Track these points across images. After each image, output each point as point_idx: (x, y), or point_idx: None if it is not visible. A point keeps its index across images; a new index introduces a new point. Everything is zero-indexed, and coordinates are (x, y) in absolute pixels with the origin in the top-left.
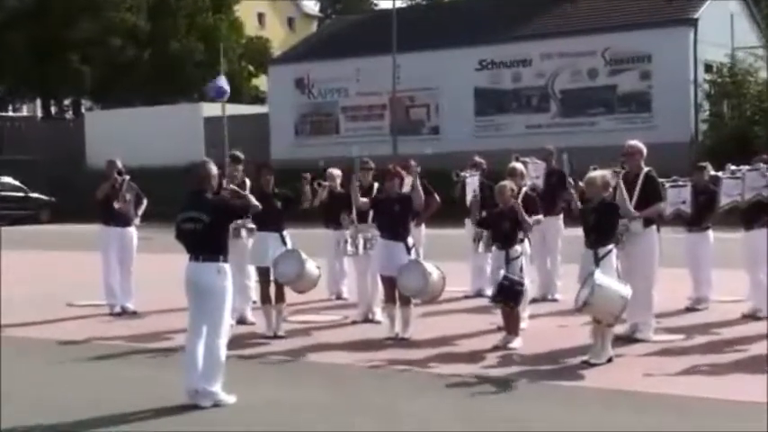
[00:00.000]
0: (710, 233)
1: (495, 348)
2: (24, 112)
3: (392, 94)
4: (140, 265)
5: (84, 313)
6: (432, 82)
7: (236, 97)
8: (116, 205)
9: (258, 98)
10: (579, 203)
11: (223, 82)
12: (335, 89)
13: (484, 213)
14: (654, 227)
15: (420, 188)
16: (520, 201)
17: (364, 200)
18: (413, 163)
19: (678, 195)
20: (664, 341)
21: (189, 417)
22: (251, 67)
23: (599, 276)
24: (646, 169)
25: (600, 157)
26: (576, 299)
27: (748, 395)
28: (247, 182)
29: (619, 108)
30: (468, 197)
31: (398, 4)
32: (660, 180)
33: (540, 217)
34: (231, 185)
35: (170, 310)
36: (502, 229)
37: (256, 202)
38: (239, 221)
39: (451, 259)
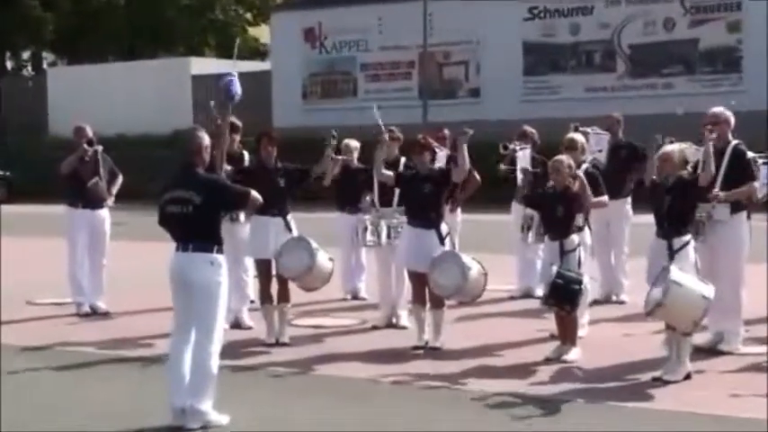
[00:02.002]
0: None
1: (547, 361)
2: None
3: (422, 48)
4: (114, 256)
5: (46, 313)
6: (471, 34)
7: (230, 51)
8: (89, 183)
9: (258, 52)
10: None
11: (236, 84)
12: (353, 42)
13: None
14: (743, 213)
15: (466, 158)
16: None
17: (389, 173)
18: (447, 132)
19: None
20: (754, 354)
21: None
22: (249, 15)
23: (676, 273)
24: (734, 142)
25: (677, 128)
26: (646, 301)
27: None
28: (246, 155)
29: (701, 67)
30: (519, 176)
31: None
32: (751, 155)
33: (605, 199)
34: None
35: (150, 310)
36: (556, 214)
37: (258, 196)
38: None
39: (494, 251)
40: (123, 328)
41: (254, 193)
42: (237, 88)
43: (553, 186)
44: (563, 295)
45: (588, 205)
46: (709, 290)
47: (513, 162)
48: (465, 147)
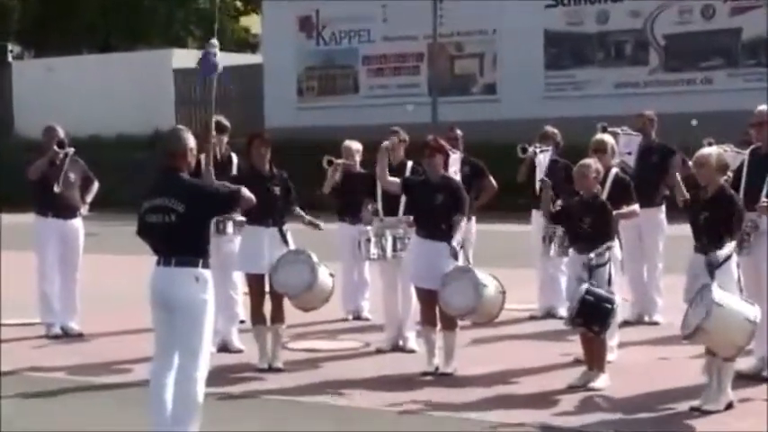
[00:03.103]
0: None
1: (572, 389)
2: None
3: (432, 39)
4: (88, 271)
5: (13, 335)
6: (486, 23)
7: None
8: (56, 189)
9: (248, 44)
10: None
11: (215, 54)
12: (354, 32)
13: (559, 203)
14: None
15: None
16: (609, 185)
17: (394, 180)
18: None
19: None
20: None
21: None
22: (238, 2)
23: (717, 292)
24: None
25: (717, 128)
26: (683, 322)
27: None
28: (234, 158)
29: (744, 60)
30: (539, 176)
31: None
32: None
33: (636, 208)
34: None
35: (128, 331)
36: (582, 225)
37: (250, 194)
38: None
39: (512, 266)
40: (98, 352)
41: (246, 191)
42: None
43: (579, 193)
44: (592, 314)
45: (617, 216)
46: (754, 312)
47: (532, 166)
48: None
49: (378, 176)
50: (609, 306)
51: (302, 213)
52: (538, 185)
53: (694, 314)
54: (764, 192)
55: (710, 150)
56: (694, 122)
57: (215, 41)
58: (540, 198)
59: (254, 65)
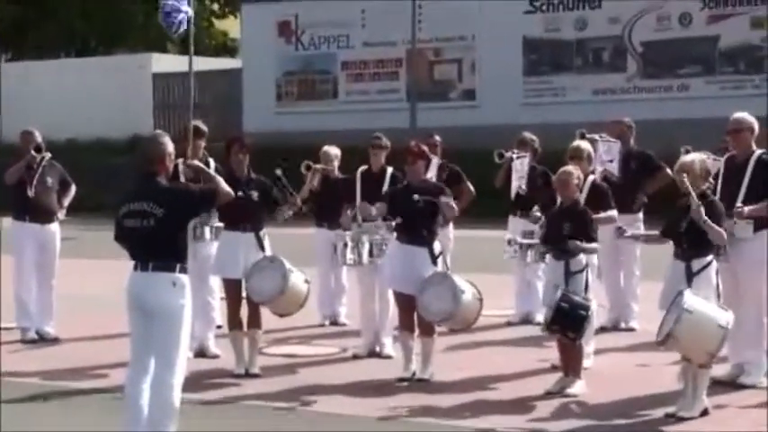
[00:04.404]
0: None
1: (549, 395)
2: None
3: (411, 45)
4: (65, 275)
5: None
6: (465, 29)
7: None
8: (29, 193)
9: (226, 48)
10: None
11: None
12: (333, 37)
13: (536, 210)
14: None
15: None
16: (586, 192)
17: (378, 208)
18: (438, 138)
19: None
20: None
21: None
22: (216, 6)
23: (689, 299)
24: (758, 152)
25: (695, 134)
26: (659, 329)
27: None
28: (212, 162)
29: (721, 68)
30: (514, 186)
31: None
32: None
33: (614, 214)
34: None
35: (105, 336)
36: (561, 231)
37: (227, 187)
38: (202, 216)
39: (490, 272)
40: (74, 357)
41: (222, 183)
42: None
43: (558, 200)
44: (568, 321)
45: (595, 223)
46: (726, 317)
47: (510, 172)
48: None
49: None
50: (584, 313)
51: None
52: (513, 192)
53: (668, 321)
54: (740, 199)
55: (693, 157)
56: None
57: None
58: (517, 204)
59: (233, 69)
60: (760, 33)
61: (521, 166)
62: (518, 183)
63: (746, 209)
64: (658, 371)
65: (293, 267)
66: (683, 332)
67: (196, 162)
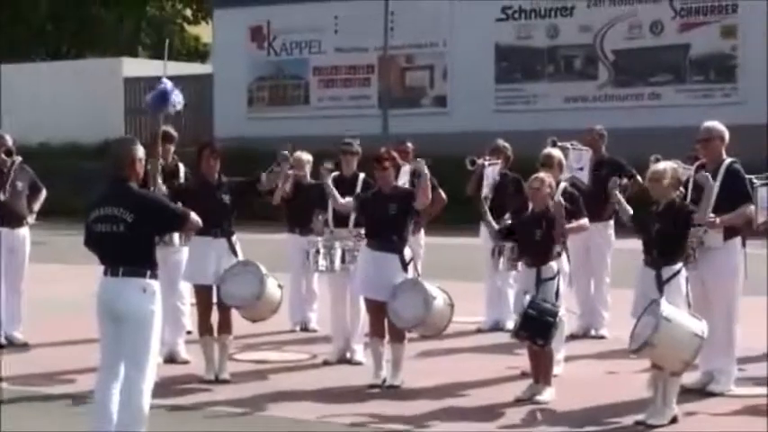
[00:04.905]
0: None
1: (519, 402)
2: None
3: (383, 51)
4: (34, 280)
5: None
6: (437, 36)
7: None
8: (1, 197)
9: (198, 53)
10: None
11: (167, 91)
12: (305, 43)
13: (507, 217)
14: (737, 240)
15: (429, 189)
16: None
17: (346, 201)
18: (410, 145)
19: None
20: (749, 395)
21: None
22: (188, 11)
23: (666, 307)
24: (728, 161)
25: (665, 143)
26: (631, 337)
27: None
28: (182, 168)
29: (692, 76)
30: (484, 193)
31: None
32: (748, 176)
33: (585, 222)
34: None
35: (74, 341)
36: (532, 238)
37: (198, 219)
38: None
39: (461, 279)
40: (43, 362)
41: (194, 216)
42: (174, 96)
43: (529, 207)
44: (536, 328)
45: (567, 230)
46: (701, 327)
47: (481, 179)
48: (427, 177)
49: (330, 202)
50: (551, 319)
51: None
52: (483, 198)
53: (642, 328)
54: (710, 208)
55: (665, 165)
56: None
57: (166, 80)
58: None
59: (205, 74)
60: (731, 42)
61: (492, 174)
62: (488, 189)
63: (718, 219)
64: (628, 378)
65: (268, 273)
66: (661, 340)
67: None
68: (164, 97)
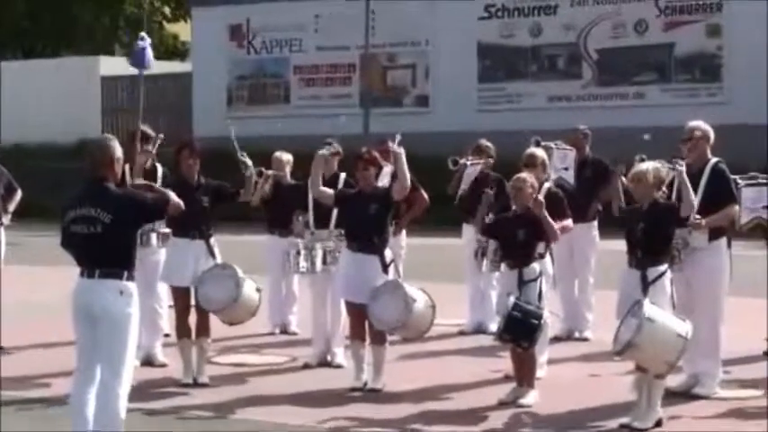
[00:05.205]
0: None
1: (502, 405)
2: None
3: (364, 50)
4: (9, 282)
5: None
6: (419, 34)
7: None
8: None
9: (177, 52)
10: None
11: (146, 47)
12: (285, 41)
13: (490, 217)
14: (723, 240)
15: (406, 172)
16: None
17: (327, 190)
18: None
19: (757, 198)
20: (734, 398)
21: None
22: (167, 9)
23: (649, 308)
24: (713, 161)
25: (650, 143)
26: (615, 339)
27: None
28: (159, 168)
29: (677, 75)
30: (461, 189)
31: None
32: (733, 177)
33: (569, 223)
34: (139, 179)
35: (50, 344)
36: (515, 239)
37: (178, 199)
38: (150, 225)
39: (442, 280)
40: (18, 366)
41: (173, 196)
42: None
43: (512, 207)
44: (520, 330)
45: (550, 234)
46: (686, 328)
47: (461, 180)
48: (403, 159)
49: (311, 185)
50: (536, 322)
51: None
52: (458, 194)
53: (625, 330)
54: (695, 207)
55: (647, 166)
56: (647, 137)
57: (144, 35)
58: (471, 212)
59: (183, 73)
60: (716, 41)
61: (472, 173)
62: (466, 186)
63: (704, 221)
64: (612, 381)
65: (245, 275)
66: (644, 341)
67: (143, 181)
68: (143, 54)
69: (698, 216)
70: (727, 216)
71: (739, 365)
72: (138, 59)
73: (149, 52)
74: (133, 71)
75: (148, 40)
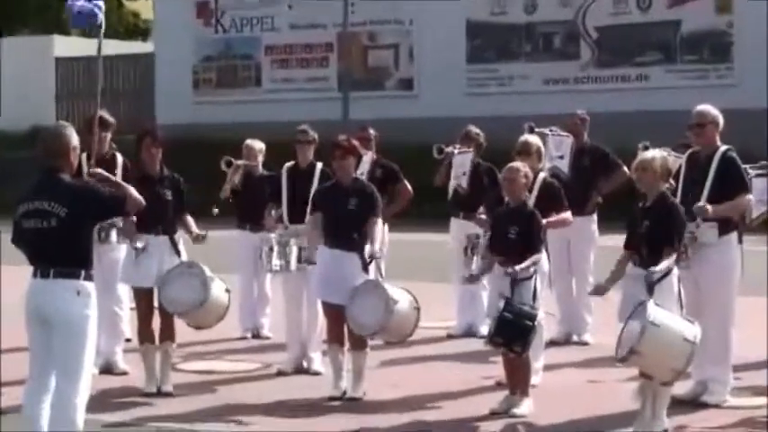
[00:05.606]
0: None
1: (494, 415)
2: None
3: (342, 28)
4: None
5: None
6: (402, 11)
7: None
8: None
9: (138, 31)
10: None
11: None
12: (256, 19)
13: (481, 212)
14: (733, 235)
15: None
16: (536, 191)
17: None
18: (372, 132)
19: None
20: (745, 407)
21: None
22: None
23: (653, 310)
24: (723, 148)
25: (654, 129)
26: (617, 343)
27: None
28: (119, 158)
29: (683, 55)
30: (452, 184)
31: None
32: (744, 166)
33: (568, 215)
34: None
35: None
36: (507, 235)
37: (139, 196)
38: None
39: (429, 279)
40: None
41: (133, 191)
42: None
43: (505, 200)
44: (512, 333)
45: (547, 225)
46: (694, 331)
47: (450, 169)
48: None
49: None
50: (530, 323)
51: (190, 223)
52: (451, 189)
53: (629, 334)
54: (703, 200)
55: (653, 154)
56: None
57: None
58: (459, 205)
59: (145, 54)
60: (726, 18)
61: (462, 162)
62: (457, 180)
63: (710, 208)
64: (613, 388)
65: (213, 275)
66: (648, 347)
67: (99, 170)
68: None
69: (702, 203)
70: (738, 206)
71: (751, 371)
72: (80, 18)
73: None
74: (91, 51)
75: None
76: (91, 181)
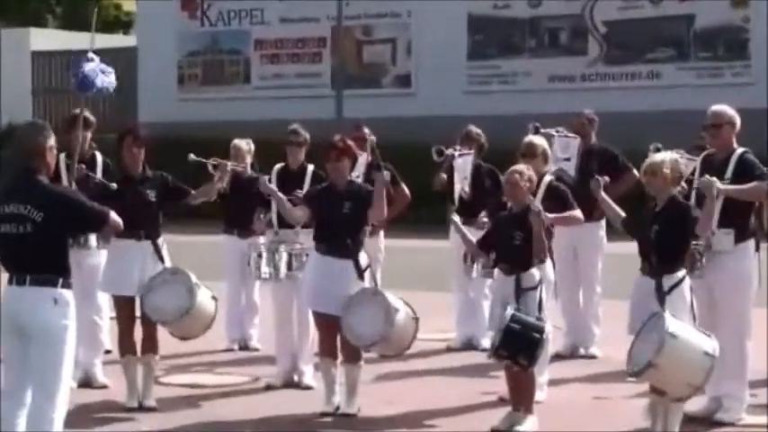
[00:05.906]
0: None
1: None
2: None
3: (337, 21)
4: None
5: None
6: (399, 4)
7: (83, 21)
8: None
9: (119, 23)
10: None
11: (90, 69)
12: (245, 12)
13: (482, 217)
14: (750, 242)
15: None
16: (541, 194)
17: (299, 210)
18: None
19: None
20: (762, 425)
21: None
22: None
23: (671, 322)
24: (740, 151)
25: (666, 130)
26: (629, 357)
27: None
28: (99, 158)
29: (697, 52)
30: (457, 189)
31: None
32: (763, 168)
33: (578, 213)
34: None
35: None
36: (511, 242)
37: (119, 220)
38: None
39: (427, 288)
40: None
41: (115, 217)
42: (98, 76)
43: (508, 205)
44: (519, 345)
45: (555, 221)
46: (713, 345)
47: (450, 172)
48: (384, 184)
49: (283, 213)
50: (537, 336)
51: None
52: (456, 195)
53: (642, 347)
54: (719, 204)
55: (663, 157)
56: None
57: (92, 55)
58: (460, 209)
59: (127, 48)
60: (742, 12)
61: (463, 166)
62: (461, 185)
63: (722, 186)
64: (622, 405)
65: (199, 282)
66: (667, 361)
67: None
68: (91, 78)
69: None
70: (753, 189)
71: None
72: (85, 83)
73: (99, 70)
74: (68, 45)
75: (97, 60)
76: (71, 188)
